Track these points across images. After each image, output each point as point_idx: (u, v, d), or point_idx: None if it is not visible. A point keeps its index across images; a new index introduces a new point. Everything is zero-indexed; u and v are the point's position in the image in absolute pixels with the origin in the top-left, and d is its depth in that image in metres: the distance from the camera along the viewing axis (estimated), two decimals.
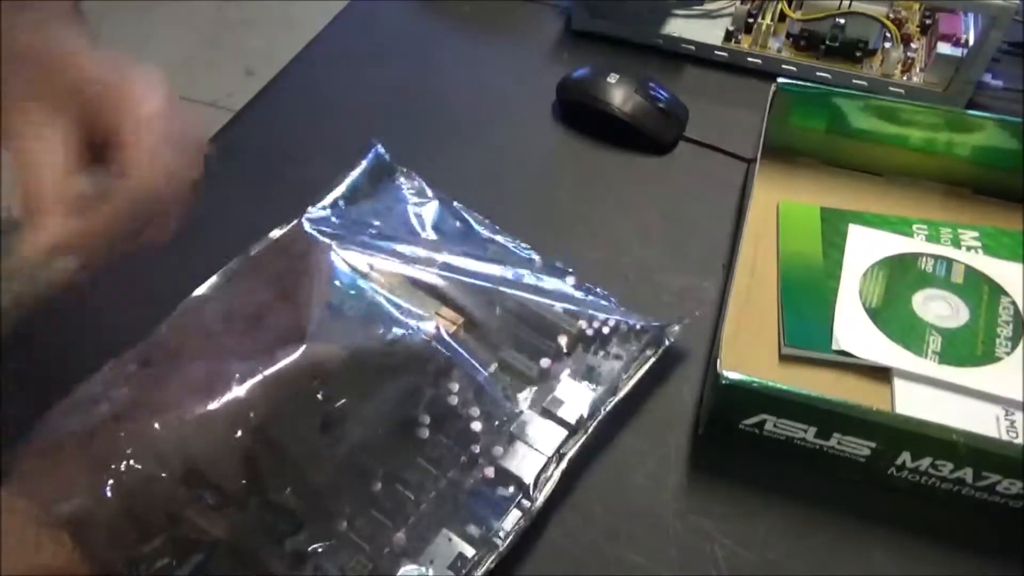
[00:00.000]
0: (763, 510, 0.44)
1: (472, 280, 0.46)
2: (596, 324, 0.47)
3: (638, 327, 0.48)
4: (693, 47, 0.69)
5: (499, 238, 0.52)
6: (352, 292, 0.43)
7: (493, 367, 0.45)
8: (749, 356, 0.48)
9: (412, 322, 0.42)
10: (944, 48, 0.64)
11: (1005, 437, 0.45)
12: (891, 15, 0.68)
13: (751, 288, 0.52)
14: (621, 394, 0.45)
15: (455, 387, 0.43)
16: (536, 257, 0.51)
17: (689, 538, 0.42)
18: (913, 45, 0.68)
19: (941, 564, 0.42)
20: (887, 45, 0.67)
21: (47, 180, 0.33)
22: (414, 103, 0.56)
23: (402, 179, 0.53)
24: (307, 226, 0.47)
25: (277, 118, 0.65)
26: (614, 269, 0.54)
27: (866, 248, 0.53)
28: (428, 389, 0.43)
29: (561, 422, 0.44)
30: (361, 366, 0.40)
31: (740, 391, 0.42)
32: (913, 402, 0.46)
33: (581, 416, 0.44)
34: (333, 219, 0.48)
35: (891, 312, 0.50)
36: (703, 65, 0.69)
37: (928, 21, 0.69)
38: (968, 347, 0.48)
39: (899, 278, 0.52)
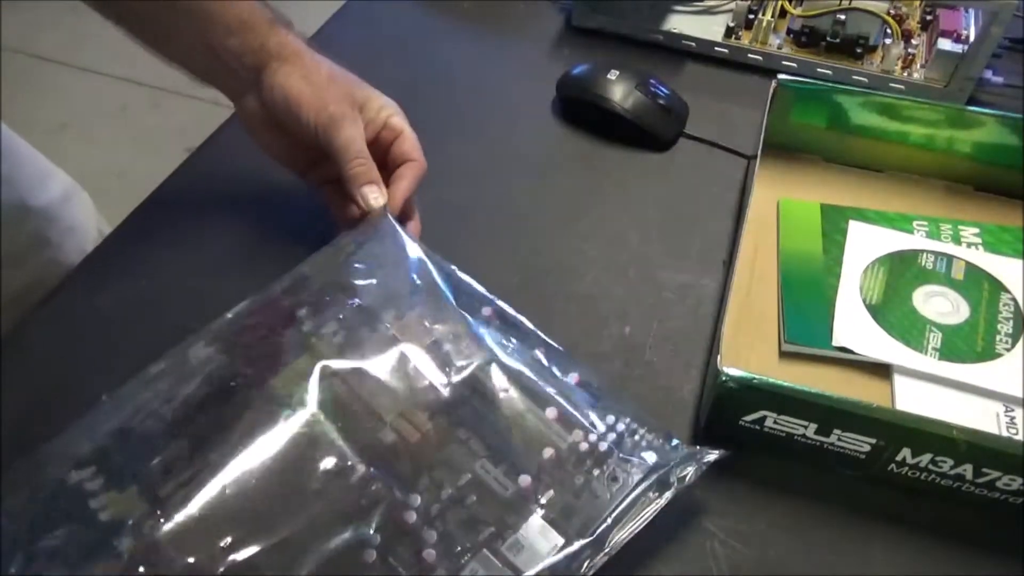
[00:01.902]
0: (763, 507, 0.44)
1: (459, 369, 0.41)
2: (592, 438, 0.40)
3: (644, 443, 0.41)
4: (694, 43, 0.69)
5: (499, 311, 0.45)
6: (300, 402, 0.39)
7: (465, 479, 0.38)
8: (749, 353, 0.48)
9: (353, 447, 0.38)
10: (945, 44, 0.64)
11: (1005, 433, 0.45)
12: (892, 11, 0.68)
13: (751, 285, 0.52)
14: (610, 548, 0.38)
15: (416, 501, 0.38)
16: (544, 341, 0.44)
17: (689, 534, 0.42)
18: (914, 41, 0.68)
19: (941, 560, 0.42)
20: (888, 41, 0.67)
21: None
22: (413, 100, 0.56)
23: (407, 241, 0.47)
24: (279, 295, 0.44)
25: None
26: (614, 265, 0.54)
27: (866, 245, 0.53)
28: (380, 507, 0.37)
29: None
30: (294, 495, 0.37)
31: (740, 388, 0.42)
32: (913, 398, 0.46)
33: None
34: (311, 286, 0.44)
35: (891, 308, 0.50)
36: (704, 61, 0.69)
37: (929, 17, 0.69)
38: (968, 344, 0.48)
39: (899, 275, 0.52)
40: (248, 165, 0.60)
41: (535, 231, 0.57)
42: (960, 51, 0.63)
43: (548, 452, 0.40)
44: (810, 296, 0.51)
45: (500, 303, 0.46)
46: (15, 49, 1.90)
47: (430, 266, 0.46)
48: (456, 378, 0.41)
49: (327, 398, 0.40)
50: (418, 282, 0.45)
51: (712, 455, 0.41)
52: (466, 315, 0.44)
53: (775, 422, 0.43)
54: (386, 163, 0.51)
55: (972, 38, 0.63)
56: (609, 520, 0.38)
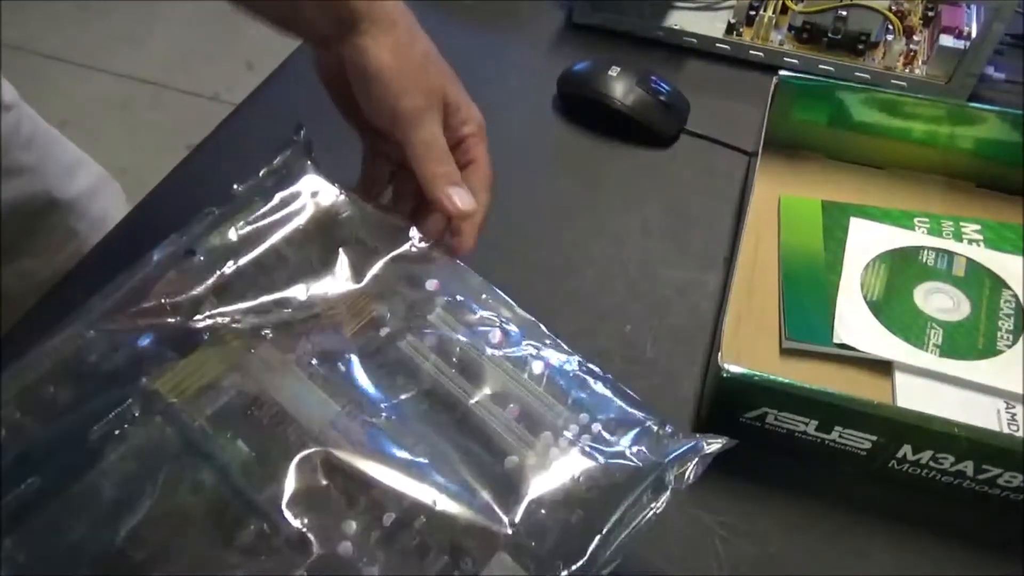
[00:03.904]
0: (764, 504, 0.44)
1: (390, 353, 0.35)
2: (563, 443, 0.34)
3: (633, 437, 0.34)
4: (695, 40, 0.69)
5: (446, 283, 0.38)
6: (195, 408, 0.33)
7: (409, 500, 0.32)
8: (750, 349, 0.48)
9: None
10: (946, 40, 0.64)
11: (1006, 430, 0.45)
12: (893, 7, 0.68)
13: (752, 281, 0.52)
14: (598, 569, 0.32)
15: (351, 528, 0.32)
16: (504, 317, 0.37)
17: (690, 532, 0.43)
18: (915, 37, 0.68)
19: (941, 557, 0.42)
20: (889, 38, 0.67)
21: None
22: None
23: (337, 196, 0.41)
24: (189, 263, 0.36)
25: (277, 112, 0.65)
26: (615, 263, 0.54)
27: (867, 241, 0.53)
28: (307, 542, 0.31)
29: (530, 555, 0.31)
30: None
31: (741, 384, 0.42)
32: (914, 395, 0.46)
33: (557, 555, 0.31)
34: (230, 252, 0.37)
35: (892, 305, 0.50)
36: (705, 58, 0.69)
37: (930, 13, 0.69)
38: (969, 340, 0.48)
39: (900, 271, 0.52)
40: (248, 162, 0.60)
41: (535, 228, 0.57)
42: (962, 47, 0.63)
43: (511, 462, 0.33)
44: (811, 293, 0.51)
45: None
46: (16, 46, 1.90)
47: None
48: (387, 365, 0.35)
49: (229, 403, 0.33)
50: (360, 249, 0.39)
51: (715, 444, 0.34)
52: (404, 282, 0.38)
53: (776, 419, 0.43)
54: None
55: (974, 34, 0.63)
56: (596, 540, 0.32)
